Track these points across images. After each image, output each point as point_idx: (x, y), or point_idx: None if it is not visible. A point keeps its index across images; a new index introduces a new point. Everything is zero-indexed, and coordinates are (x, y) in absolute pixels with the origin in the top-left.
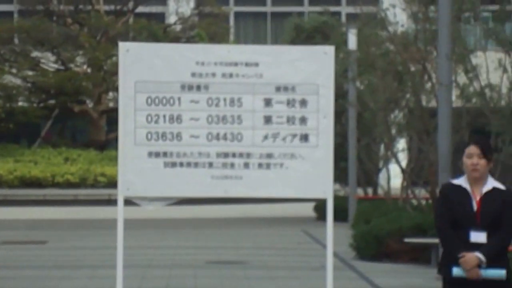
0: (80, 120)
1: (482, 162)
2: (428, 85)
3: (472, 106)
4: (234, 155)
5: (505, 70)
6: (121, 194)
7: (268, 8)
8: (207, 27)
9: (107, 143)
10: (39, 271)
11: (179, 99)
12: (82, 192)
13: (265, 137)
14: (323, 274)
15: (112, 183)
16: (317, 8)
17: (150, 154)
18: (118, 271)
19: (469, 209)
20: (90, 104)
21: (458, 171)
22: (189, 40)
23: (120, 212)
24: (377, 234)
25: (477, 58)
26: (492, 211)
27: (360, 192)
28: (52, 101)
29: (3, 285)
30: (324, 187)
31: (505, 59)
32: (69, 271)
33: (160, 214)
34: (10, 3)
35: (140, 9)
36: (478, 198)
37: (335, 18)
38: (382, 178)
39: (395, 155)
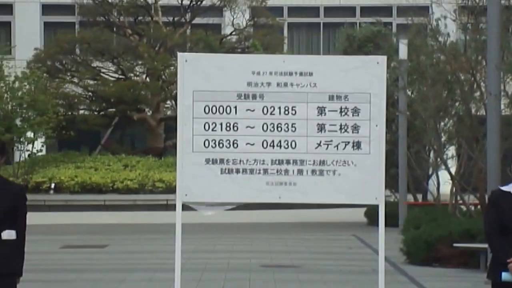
0: (139, 127)
1: None
2: (477, 94)
3: None
4: (288, 162)
5: None
6: (179, 199)
7: (321, 19)
8: (262, 38)
9: (165, 150)
10: (99, 275)
11: (235, 107)
12: (141, 198)
13: (319, 145)
14: (375, 278)
15: (170, 189)
16: (369, 19)
17: (207, 160)
18: (176, 274)
19: None
20: (148, 112)
21: (507, 178)
22: (245, 50)
23: (178, 217)
24: (427, 239)
25: None
26: None
27: (410, 198)
28: (112, 110)
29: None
30: (376, 193)
31: None
32: (128, 274)
33: (216, 219)
34: (72, 14)
35: (197, 20)
36: None
37: (387, 28)
38: (431, 184)
39: (444, 162)
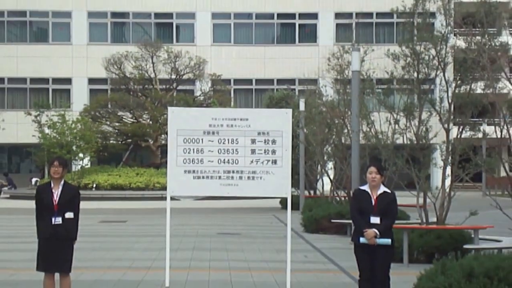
0: (145, 151)
1: (378, 176)
2: (345, 131)
3: (371, 144)
4: (233, 171)
5: (390, 123)
6: (169, 194)
7: (253, 86)
8: (218, 98)
9: (161, 165)
10: (122, 239)
11: (202, 139)
12: (146, 193)
13: (251, 161)
14: (285, 240)
15: (164, 188)
16: (282, 86)
17: (185, 171)
18: (167, 238)
19: (370, 204)
20: (151, 142)
21: (363, 181)
22: (208, 105)
23: (168, 204)
24: (315, 217)
25: (374, 116)
26: (383, 205)
27: (306, 193)
28: (129, 140)
29: (101, 246)
30: (286, 190)
31: (390, 117)
32: (139, 238)
33: (190, 205)
34: (106, 84)
35: (180, 87)
36: (375, 197)
37: (292, 92)
38: (319, 184)
39: (326, 172)
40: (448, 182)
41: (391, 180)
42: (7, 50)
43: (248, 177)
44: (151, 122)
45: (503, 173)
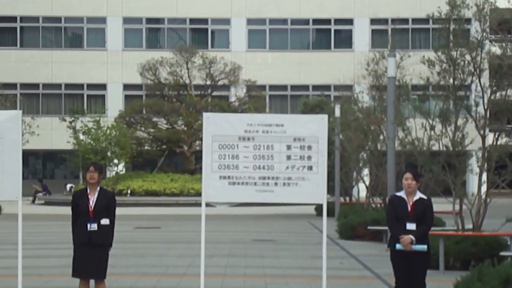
0: (180, 157)
1: (413, 182)
2: (381, 137)
3: (407, 150)
4: (268, 178)
5: (425, 129)
6: (204, 200)
7: (288, 92)
8: (253, 103)
9: (195, 171)
10: (156, 245)
11: (237, 145)
12: (181, 199)
13: (287, 167)
14: (321, 247)
15: (198, 194)
16: (317, 92)
17: (220, 177)
18: (202, 245)
19: (405, 210)
20: (185, 148)
21: (399, 188)
22: (243, 111)
23: (203, 210)
24: (351, 224)
25: (410, 123)
26: (419, 211)
27: (341, 199)
28: (164, 146)
29: (136, 253)
30: (321, 197)
31: (425, 123)
32: (173, 244)
33: (225, 212)
34: (140, 90)
35: (215, 93)
36: (410, 203)
37: (328, 98)
38: (355, 191)
39: (362, 178)
40: (484, 188)
41: (427, 187)
42: (42, 56)
43: (284, 183)
44: (185, 128)
45: None
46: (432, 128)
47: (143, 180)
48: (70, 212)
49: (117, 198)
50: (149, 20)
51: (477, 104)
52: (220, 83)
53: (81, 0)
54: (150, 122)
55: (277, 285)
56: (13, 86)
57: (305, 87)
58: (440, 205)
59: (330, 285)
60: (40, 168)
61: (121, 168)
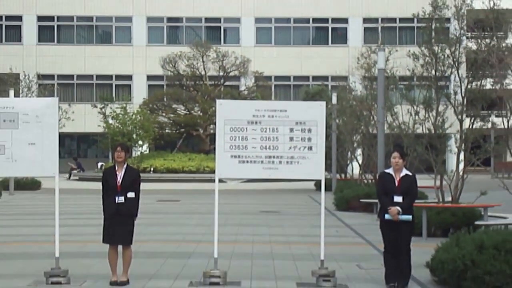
0: (196, 139)
1: (400, 161)
2: (372, 122)
3: (394, 133)
4: (273, 157)
5: (411, 115)
6: (217, 176)
7: (291, 82)
8: (260, 92)
9: (209, 151)
10: (176, 216)
11: (246, 128)
12: (197, 176)
13: (289, 148)
14: (319, 217)
15: (212, 171)
16: (317, 82)
17: (231, 156)
18: (215, 215)
19: (393, 185)
20: (201, 131)
21: (387, 165)
22: (252, 98)
23: (216, 185)
24: (346, 198)
25: (397, 109)
26: (405, 186)
27: (338, 176)
28: (182, 130)
29: (158, 222)
30: (320, 173)
31: (411, 109)
32: (191, 215)
33: (236, 187)
34: (162, 80)
35: (227, 83)
36: (398, 179)
37: (326, 87)
38: (349, 169)
39: (355, 157)
40: (461, 166)
41: (412, 165)
42: (76, 51)
43: (287, 162)
44: (201, 114)
45: (509, 158)
46: (417, 113)
47: (164, 159)
48: (101, 187)
49: (141, 174)
50: (170, 19)
51: (455, 93)
52: (231, 74)
53: (110, 2)
54: (170, 108)
55: (281, 250)
56: (51, 77)
57: (306, 78)
58: (423, 180)
59: (327, 250)
60: (75, 148)
61: (145, 148)
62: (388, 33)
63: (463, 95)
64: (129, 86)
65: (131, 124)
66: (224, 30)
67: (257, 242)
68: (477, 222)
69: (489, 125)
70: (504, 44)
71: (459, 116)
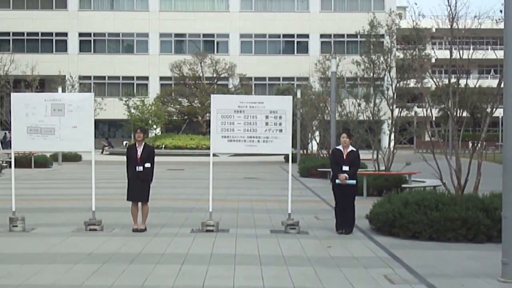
0: (196, 124)
1: (347, 140)
2: (327, 111)
3: (343, 119)
4: (253, 137)
5: (355, 106)
6: (212, 151)
7: (267, 82)
8: (244, 89)
9: (206, 133)
10: (181, 181)
11: (233, 115)
12: (197, 151)
13: (265, 130)
14: (287, 182)
15: (208, 148)
16: (286, 82)
17: (222, 136)
18: (210, 180)
19: (342, 158)
20: (200, 118)
21: (338, 143)
22: (237, 93)
23: (211, 158)
24: (307, 167)
25: (345, 101)
26: (351, 158)
27: (301, 151)
28: (185, 117)
29: (167, 185)
30: (288, 149)
31: (355, 102)
32: (193, 180)
33: (225, 159)
34: (170, 80)
35: (219, 82)
36: (345, 153)
37: (292, 85)
38: (309, 146)
39: (314, 138)
40: (392, 144)
41: (356, 143)
42: (107, 58)
43: (263, 141)
44: (199, 105)
45: (427, 138)
46: (359, 105)
47: (172, 138)
48: (125, 159)
49: (155, 150)
50: (176, 35)
51: (387, 89)
52: (222, 76)
53: (132, 22)
54: (177, 101)
55: (259, 206)
56: (88, 78)
57: (277, 79)
58: (364, 154)
59: (293, 206)
60: (106, 130)
61: (158, 131)
62: (338, 45)
63: (393, 91)
64: (146, 85)
65: (148, 113)
66: (217, 43)
67: (241, 200)
68: (403, 185)
69: (413, 113)
70: (423, 54)
71: (390, 107)
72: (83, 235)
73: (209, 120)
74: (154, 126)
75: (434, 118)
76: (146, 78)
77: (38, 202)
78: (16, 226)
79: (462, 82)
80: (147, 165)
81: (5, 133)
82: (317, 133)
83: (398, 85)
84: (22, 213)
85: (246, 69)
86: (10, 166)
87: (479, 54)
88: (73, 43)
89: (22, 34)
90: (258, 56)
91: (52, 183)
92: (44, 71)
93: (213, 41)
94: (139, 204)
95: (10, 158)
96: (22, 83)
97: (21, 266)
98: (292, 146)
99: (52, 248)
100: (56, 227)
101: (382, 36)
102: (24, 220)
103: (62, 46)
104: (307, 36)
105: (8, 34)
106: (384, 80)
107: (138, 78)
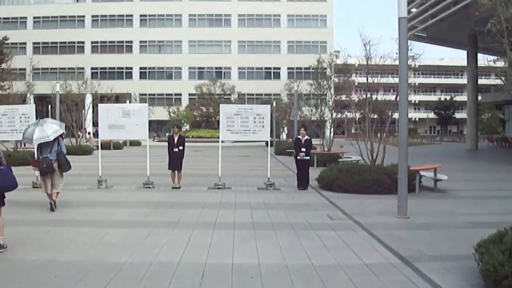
0: (211, 123)
1: (305, 132)
2: (292, 114)
3: (302, 120)
4: (246, 130)
5: (309, 111)
6: (221, 140)
7: (255, 97)
8: (240, 101)
9: (217, 128)
10: (202, 157)
11: (234, 117)
12: (211, 139)
13: (254, 126)
14: (267, 160)
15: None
16: (267, 97)
17: (227, 130)
18: (219, 157)
19: (301, 143)
20: (213, 119)
21: (299, 134)
22: (236, 104)
23: (220, 144)
24: (280, 149)
25: (303, 108)
26: (307, 144)
27: (276, 139)
28: (204, 118)
29: (193, 160)
30: (267, 137)
31: (309, 109)
32: (209, 157)
33: (230, 145)
34: (195, 96)
35: (225, 97)
36: (303, 140)
37: (271, 98)
38: (281, 136)
39: (284, 131)
40: (332, 134)
41: (310, 134)
42: (156, 83)
43: (252, 132)
44: (213, 111)
45: (353, 131)
46: (312, 111)
47: (196, 132)
48: (167, 145)
49: (185, 139)
50: (199, 68)
51: (329, 101)
52: (227, 93)
53: (172, 60)
54: (199, 108)
55: (249, 173)
56: (144, 94)
57: (261, 95)
58: (315, 141)
59: (271, 173)
60: (155, 126)
61: (187, 127)
62: (298, 74)
63: (332, 102)
64: (180, 99)
65: (181, 116)
66: (224, 73)
67: (239, 169)
68: (339, 160)
69: (344, 116)
70: (350, 79)
71: (331, 112)
72: (142, 190)
73: (219, 121)
74: (185, 124)
75: (357, 119)
76: (180, 94)
77: (115, 170)
78: (102, 185)
79: (374, 96)
80: (180, 148)
81: (96, 129)
82: (285, 128)
83: (335, 98)
84: (105, 177)
85: (242, 89)
86: (98, 148)
87: (384, 80)
88: (135, 73)
89: (105, 68)
90: (249, 80)
91: (123, 159)
92: (118, 90)
93: (221, 71)
94: (176, 172)
95: (98, 144)
96: (105, 98)
97: (105, 209)
98: (270, 136)
99: (124, 198)
100: (126, 185)
101: (325, 68)
102: (106, 181)
103: (128, 75)
104: (279, 68)
105: (97, 68)
106: (326, 96)
107: (175, 94)
